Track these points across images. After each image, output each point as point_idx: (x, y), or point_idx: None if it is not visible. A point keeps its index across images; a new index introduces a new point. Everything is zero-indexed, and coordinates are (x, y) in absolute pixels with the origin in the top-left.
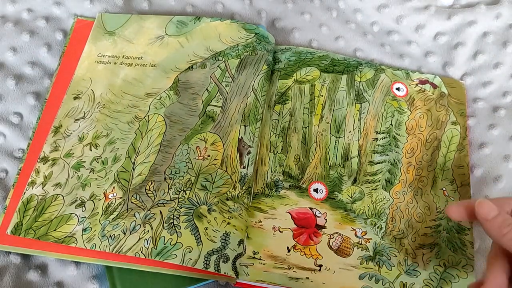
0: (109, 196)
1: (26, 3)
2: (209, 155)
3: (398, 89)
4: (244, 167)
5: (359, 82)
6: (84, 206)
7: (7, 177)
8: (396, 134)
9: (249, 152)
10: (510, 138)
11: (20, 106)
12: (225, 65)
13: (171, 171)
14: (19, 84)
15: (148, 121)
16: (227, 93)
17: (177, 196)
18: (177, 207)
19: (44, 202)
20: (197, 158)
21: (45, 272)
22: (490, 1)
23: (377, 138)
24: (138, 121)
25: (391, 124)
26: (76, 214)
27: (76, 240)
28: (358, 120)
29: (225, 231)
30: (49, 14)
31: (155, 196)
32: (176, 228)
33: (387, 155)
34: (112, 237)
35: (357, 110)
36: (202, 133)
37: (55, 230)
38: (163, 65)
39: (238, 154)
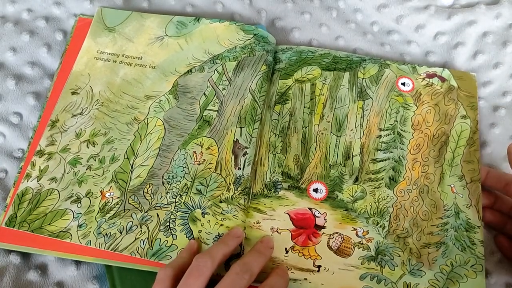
0: (106, 195)
1: (26, 3)
2: (204, 160)
3: (403, 84)
4: (239, 169)
5: (362, 78)
6: (80, 202)
7: (7, 177)
8: (401, 130)
9: (245, 153)
10: (510, 137)
11: (20, 106)
12: (223, 68)
13: (168, 176)
14: (19, 84)
15: (148, 124)
16: (224, 96)
17: (174, 200)
18: (174, 211)
19: (39, 195)
20: (193, 163)
21: (45, 272)
22: (490, 1)
23: (380, 135)
24: (137, 123)
25: (395, 121)
26: (71, 210)
27: (71, 235)
28: (361, 117)
29: (218, 233)
30: (49, 14)
31: (152, 199)
32: (172, 231)
33: (391, 152)
34: (108, 235)
35: (360, 108)
36: (199, 138)
37: (49, 224)
38: (163, 67)
39: (232, 156)
